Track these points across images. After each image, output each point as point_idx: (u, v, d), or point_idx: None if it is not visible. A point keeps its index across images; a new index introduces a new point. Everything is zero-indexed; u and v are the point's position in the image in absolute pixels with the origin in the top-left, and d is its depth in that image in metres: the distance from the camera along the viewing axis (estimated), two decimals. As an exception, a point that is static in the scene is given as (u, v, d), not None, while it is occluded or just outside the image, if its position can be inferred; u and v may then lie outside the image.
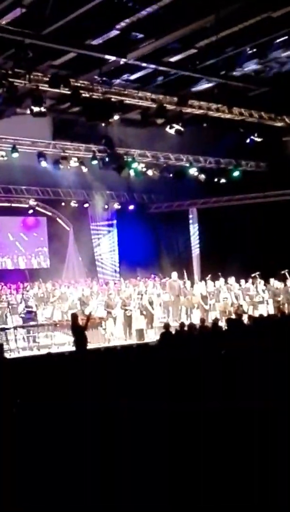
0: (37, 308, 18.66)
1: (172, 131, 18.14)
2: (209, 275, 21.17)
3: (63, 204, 24.46)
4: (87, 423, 6.78)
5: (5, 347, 16.29)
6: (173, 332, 14.20)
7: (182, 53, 16.80)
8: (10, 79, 15.25)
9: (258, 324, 13.44)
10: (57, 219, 25.27)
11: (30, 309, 17.91)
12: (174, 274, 20.62)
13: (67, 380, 8.90)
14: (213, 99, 18.73)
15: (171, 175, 22.69)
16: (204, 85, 18.85)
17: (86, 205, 24.98)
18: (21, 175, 21.72)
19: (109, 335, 18.34)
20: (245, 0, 14.05)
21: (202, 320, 16.31)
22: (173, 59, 17.03)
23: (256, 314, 18.18)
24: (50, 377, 9.28)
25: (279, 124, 20.64)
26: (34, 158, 19.99)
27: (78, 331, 14.03)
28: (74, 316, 14.46)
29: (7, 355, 14.65)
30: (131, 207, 26.08)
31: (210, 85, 18.84)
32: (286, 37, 16.18)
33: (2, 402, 8.01)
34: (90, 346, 15.15)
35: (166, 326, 14.51)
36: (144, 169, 22.03)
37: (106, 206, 25.75)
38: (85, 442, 6.35)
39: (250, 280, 21.39)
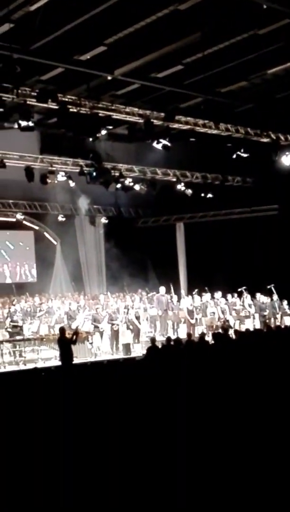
0: (24, 322, 18.57)
1: (159, 146, 18.25)
2: (196, 290, 21.20)
3: (50, 218, 24.47)
4: (71, 436, 6.77)
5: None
6: (160, 346, 14.19)
7: (169, 69, 16.96)
8: (-2, 94, 15.32)
9: (245, 338, 13.47)
10: (44, 233, 25.24)
11: (16, 324, 17.83)
12: (162, 289, 20.64)
13: (53, 395, 8.87)
14: (200, 114, 18.87)
15: (158, 190, 22.78)
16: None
17: (73, 219, 25.00)
18: (9, 189, 21.72)
19: (96, 350, 18.29)
20: (231, 17, 14.24)
21: (189, 335, 16.31)
22: (160, 75, 17.19)
23: (243, 328, 18.20)
24: (36, 392, 9.24)
25: (265, 140, 20.83)
26: (22, 172, 20.01)
27: (65, 345, 13.99)
28: (62, 330, 14.42)
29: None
30: (118, 221, 26.10)
31: (196, 101, 19.02)
32: (272, 54, 16.38)
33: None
34: (76, 360, 15.11)
35: (153, 340, 14.50)
36: (131, 184, 22.11)
37: (93, 221, 25.78)
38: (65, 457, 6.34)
39: (236, 295, 21.46)
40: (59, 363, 14.42)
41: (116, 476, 5.78)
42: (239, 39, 15.63)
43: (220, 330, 17.42)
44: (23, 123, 15.98)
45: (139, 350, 18.21)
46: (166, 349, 13.81)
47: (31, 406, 8.36)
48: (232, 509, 5.17)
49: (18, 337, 17.59)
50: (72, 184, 21.68)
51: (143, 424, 7.16)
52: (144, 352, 14.99)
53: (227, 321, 19.72)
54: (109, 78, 16.87)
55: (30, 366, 16.15)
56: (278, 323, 20.41)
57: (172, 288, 21.42)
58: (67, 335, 14.37)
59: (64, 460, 6.31)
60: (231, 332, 16.64)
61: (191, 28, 14.58)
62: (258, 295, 21.23)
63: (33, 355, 17.58)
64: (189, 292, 22.34)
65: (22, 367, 16.48)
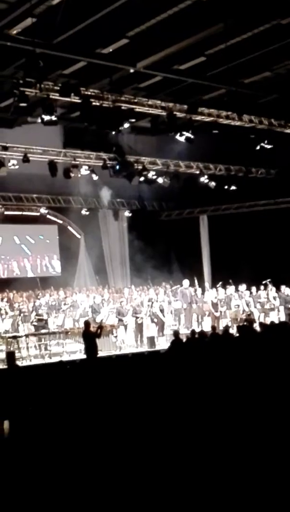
0: (49, 316, 18.70)
1: (182, 139, 18.18)
2: (220, 283, 21.12)
3: (74, 212, 24.54)
4: (97, 431, 6.80)
5: (17, 355, 16.28)
6: (184, 339, 14.19)
7: (191, 61, 16.87)
8: (21, 89, 15.37)
9: (269, 331, 13.40)
10: (68, 227, 25.33)
11: (41, 317, 17.97)
12: (186, 282, 20.61)
13: (78, 388, 8.92)
14: (223, 106, 18.76)
15: (181, 182, 22.71)
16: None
17: (96, 213, 25.04)
18: (32, 183, 21.83)
19: (120, 343, 18.34)
20: (254, 7, 14.10)
21: (213, 328, 16.27)
22: (183, 67, 17.10)
23: (267, 321, 18.10)
24: (62, 385, 9.31)
25: (289, 131, 20.63)
26: (45, 166, 20.10)
27: (90, 338, 14.04)
28: (87, 323, 14.46)
29: (19, 363, 14.66)
30: (142, 215, 26.08)
31: (219, 92, 18.92)
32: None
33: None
34: (101, 353, 15.15)
35: (176, 333, 14.53)
36: (155, 177, 22.07)
37: (117, 214, 25.82)
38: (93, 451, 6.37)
39: (261, 287, 21.32)
40: (84, 356, 14.49)
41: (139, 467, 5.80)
42: (262, 29, 15.48)
43: (244, 323, 17.35)
44: (46, 118, 16.04)
45: (163, 343, 18.21)
46: (190, 342, 13.80)
47: (57, 398, 8.42)
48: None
49: (43, 331, 17.72)
50: (95, 177, 21.72)
51: (168, 416, 7.17)
52: (168, 345, 15.01)
53: (252, 313, 19.61)
54: (132, 71, 16.84)
55: (55, 359, 16.26)
56: (303, 316, 20.26)
57: (196, 281, 21.38)
58: (91, 329, 14.41)
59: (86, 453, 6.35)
60: (255, 325, 16.57)
61: (213, 18, 14.47)
62: (283, 287, 21.06)
63: (58, 348, 17.69)
64: (213, 284, 22.27)
65: (47, 360, 16.59)
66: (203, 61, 16.96)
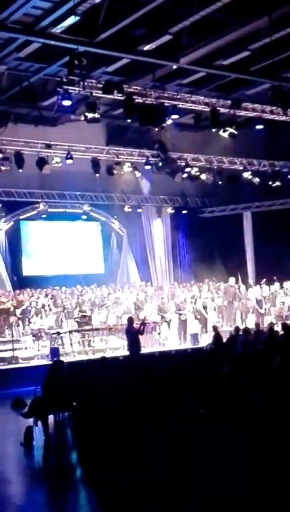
0: (92, 312, 18.82)
1: (225, 135, 18.04)
2: (264, 279, 20.92)
3: (116, 209, 24.62)
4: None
5: (61, 351, 16.50)
6: (228, 336, 14.11)
7: (235, 56, 16.71)
8: (65, 87, 15.49)
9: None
10: (111, 224, 25.44)
11: (84, 314, 18.10)
12: (232, 280, 20.47)
13: (121, 384, 8.94)
14: (267, 101, 18.54)
15: (225, 179, 22.55)
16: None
17: (139, 210, 25.08)
18: (76, 181, 21.98)
19: (163, 339, 18.34)
20: (299, 0, 13.88)
21: (257, 325, 16.13)
22: (226, 62, 16.95)
23: (313, 318, 17.86)
24: (105, 381, 9.35)
25: None
26: (88, 164, 20.22)
27: (133, 335, 14.06)
28: (130, 320, 14.48)
29: (63, 358, 14.80)
30: (185, 211, 26.03)
31: (264, 87, 18.71)
32: None
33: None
34: (144, 350, 15.17)
35: (215, 328, 14.46)
36: (198, 173, 21.97)
37: (160, 211, 25.83)
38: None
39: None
40: (127, 352, 14.53)
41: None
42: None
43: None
44: (90, 115, 16.14)
45: (206, 340, 18.13)
46: (233, 339, 13.72)
47: (100, 394, 8.45)
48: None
49: (86, 327, 17.84)
50: (138, 174, 21.75)
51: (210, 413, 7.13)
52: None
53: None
54: (175, 67, 16.78)
55: (98, 355, 16.35)
56: None
57: (239, 277, 21.22)
58: (135, 325, 14.44)
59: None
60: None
61: (257, 13, 14.30)
62: None
63: (101, 344, 17.79)
64: (257, 281, 22.07)
65: (91, 356, 16.69)
66: (247, 56, 16.79)
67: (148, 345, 17.19)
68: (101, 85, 16.08)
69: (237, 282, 20.84)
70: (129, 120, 17.73)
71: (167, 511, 5.58)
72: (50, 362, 12.43)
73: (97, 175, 20.67)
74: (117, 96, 16.38)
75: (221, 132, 18.03)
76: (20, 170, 18.92)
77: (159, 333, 18.31)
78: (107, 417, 7.56)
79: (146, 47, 15.64)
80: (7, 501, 6.81)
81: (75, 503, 6.60)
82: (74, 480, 7.45)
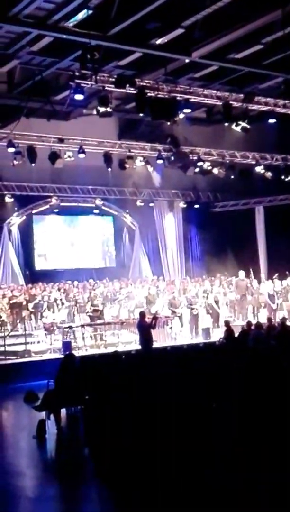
0: (104, 306, 18.86)
1: (238, 129, 17.97)
2: (277, 274, 20.85)
3: (128, 203, 24.62)
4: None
5: (73, 344, 16.56)
6: (240, 330, 14.09)
7: (247, 50, 16.63)
8: (77, 81, 15.48)
9: None
10: (123, 218, 25.45)
11: (96, 308, 18.14)
12: (242, 273, 20.45)
13: (133, 378, 8.96)
14: (280, 95, 18.44)
15: (237, 173, 22.48)
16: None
17: (151, 204, 25.06)
18: (88, 175, 21.99)
19: (175, 334, 18.35)
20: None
21: (269, 319, 16.09)
22: (239, 55, 16.87)
23: None
24: (117, 375, 9.36)
25: None
26: (101, 158, 20.23)
27: (144, 329, 14.08)
28: (142, 314, 14.50)
29: (75, 352, 14.86)
30: (197, 206, 25.98)
31: (277, 80, 18.60)
32: None
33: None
34: (156, 344, 15.19)
35: (227, 323, 14.43)
36: (210, 167, 21.90)
37: (172, 205, 25.80)
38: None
39: None
40: (139, 347, 14.55)
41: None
42: None
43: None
44: (102, 109, 16.14)
45: (218, 335, 18.12)
46: (246, 333, 13.69)
47: (112, 389, 8.47)
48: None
49: (98, 321, 17.89)
50: (150, 169, 21.72)
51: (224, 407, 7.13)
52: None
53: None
54: (187, 61, 16.72)
55: (110, 349, 16.39)
56: None
57: (251, 272, 21.17)
58: (146, 320, 14.45)
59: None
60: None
61: (270, 6, 14.22)
62: None
63: (113, 338, 17.84)
64: (269, 276, 22.00)
65: (103, 350, 16.74)
66: (260, 49, 16.69)
67: (160, 339, 17.21)
68: (113, 79, 16.06)
69: (247, 276, 20.78)
70: (141, 114, 17.73)
71: (179, 505, 5.60)
72: (62, 356, 12.46)
73: (109, 169, 20.69)
74: (129, 90, 16.35)
75: (233, 126, 17.98)
76: (33, 165, 18.95)
77: (171, 328, 18.32)
78: (119, 411, 7.58)
79: (159, 41, 15.59)
80: (19, 494, 6.87)
81: (86, 496, 6.64)
82: (85, 473, 7.50)
